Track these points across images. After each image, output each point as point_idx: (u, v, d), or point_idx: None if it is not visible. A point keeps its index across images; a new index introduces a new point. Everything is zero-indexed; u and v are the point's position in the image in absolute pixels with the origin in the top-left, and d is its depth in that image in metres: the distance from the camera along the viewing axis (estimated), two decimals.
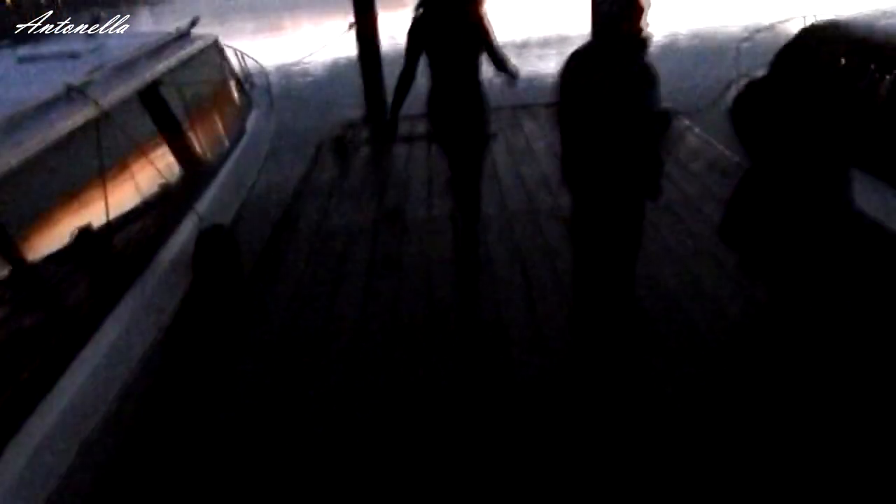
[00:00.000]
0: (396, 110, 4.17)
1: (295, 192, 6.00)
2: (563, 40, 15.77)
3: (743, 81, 5.85)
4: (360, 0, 7.69)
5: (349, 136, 7.37)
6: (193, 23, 6.34)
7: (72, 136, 3.45)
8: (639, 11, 2.70)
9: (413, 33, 4.00)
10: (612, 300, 3.38)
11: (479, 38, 3.98)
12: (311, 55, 10.36)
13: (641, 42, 2.74)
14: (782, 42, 4.78)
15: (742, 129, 2.68)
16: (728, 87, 6.98)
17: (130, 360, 3.20)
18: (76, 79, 3.97)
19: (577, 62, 2.93)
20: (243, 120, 6.47)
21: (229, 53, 7.13)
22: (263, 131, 6.73)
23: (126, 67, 4.55)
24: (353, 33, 7.91)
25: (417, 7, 4.01)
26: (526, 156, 6.44)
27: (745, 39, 7.12)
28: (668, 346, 3.48)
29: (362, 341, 3.76)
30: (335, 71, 13.13)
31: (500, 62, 4.10)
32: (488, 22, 4.01)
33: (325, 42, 8.98)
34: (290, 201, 5.85)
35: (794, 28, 7.85)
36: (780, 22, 7.65)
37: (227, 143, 5.73)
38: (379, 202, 5.65)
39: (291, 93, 11.39)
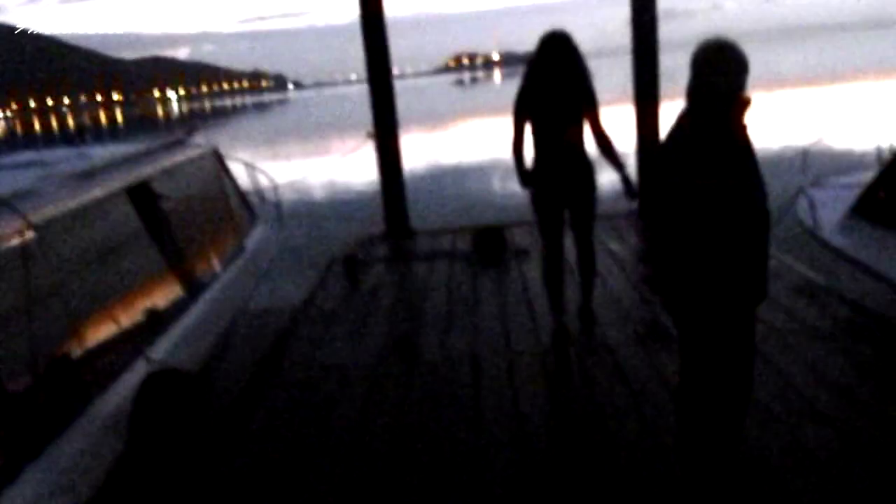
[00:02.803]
0: (521, 167, 4.14)
1: (291, 320, 5.11)
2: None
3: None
4: (380, 110, 7.13)
5: (363, 253, 6.57)
6: (191, 131, 5.79)
7: None
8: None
9: (520, 102, 4.05)
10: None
11: (582, 106, 3.96)
12: (317, 171, 9.90)
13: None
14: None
15: None
16: (797, 195, 6.11)
17: None
18: (15, 187, 3.35)
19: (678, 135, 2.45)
20: (242, 237, 5.75)
21: (236, 166, 6.57)
22: (265, 250, 5.98)
23: (86, 177, 3.88)
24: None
25: (524, 78, 4.05)
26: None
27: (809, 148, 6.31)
28: None
29: None
30: (365, 186, 12.65)
31: (604, 140, 4.03)
32: (595, 94, 3.99)
33: (347, 155, 8.43)
34: (281, 331, 4.96)
35: (836, 145, 7.12)
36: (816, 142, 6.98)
37: (214, 264, 4.96)
38: (386, 333, 4.72)
39: (312, 209, 10.87)
